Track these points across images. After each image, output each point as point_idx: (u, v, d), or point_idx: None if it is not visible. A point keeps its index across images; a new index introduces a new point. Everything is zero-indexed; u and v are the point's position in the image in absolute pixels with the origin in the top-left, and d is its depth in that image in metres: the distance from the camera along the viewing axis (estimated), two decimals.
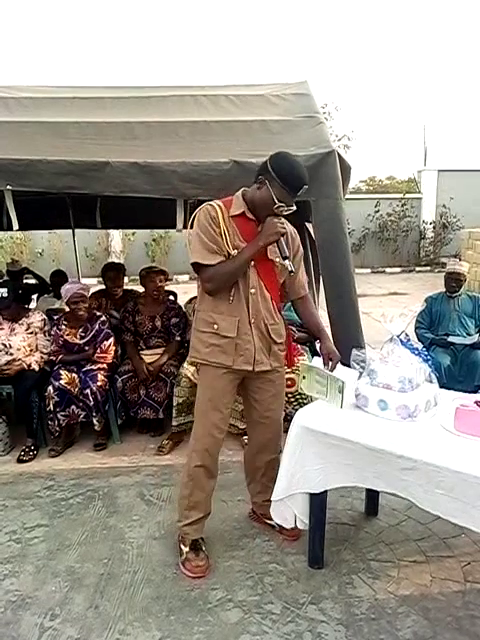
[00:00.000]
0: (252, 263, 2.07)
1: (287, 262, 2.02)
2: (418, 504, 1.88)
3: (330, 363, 2.19)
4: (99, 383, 3.32)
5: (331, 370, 2.18)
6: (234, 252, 2.04)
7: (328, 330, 3.12)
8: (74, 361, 3.44)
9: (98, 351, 3.45)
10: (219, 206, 2.06)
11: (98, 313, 3.57)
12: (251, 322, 2.11)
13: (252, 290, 2.09)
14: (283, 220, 2.06)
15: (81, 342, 3.45)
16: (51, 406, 3.25)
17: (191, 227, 2.09)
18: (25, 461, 3.22)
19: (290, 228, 2.18)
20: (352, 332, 3.00)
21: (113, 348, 3.51)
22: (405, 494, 1.91)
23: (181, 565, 2.23)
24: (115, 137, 3.13)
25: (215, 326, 2.10)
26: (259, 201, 2.04)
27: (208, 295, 2.12)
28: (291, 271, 2.04)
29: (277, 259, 2.09)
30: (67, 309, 3.55)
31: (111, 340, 3.50)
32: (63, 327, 3.45)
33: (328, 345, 2.26)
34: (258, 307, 2.11)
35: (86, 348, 3.45)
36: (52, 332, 3.48)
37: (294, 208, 2.06)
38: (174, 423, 3.33)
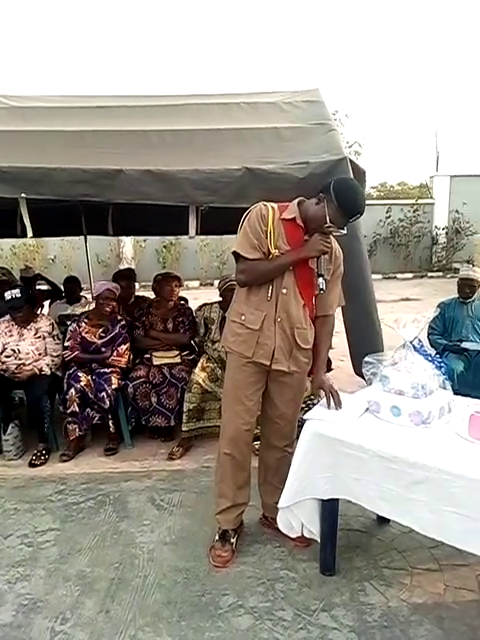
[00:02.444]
0: (291, 267, 2.15)
1: (320, 280, 2.10)
2: (421, 530, 1.84)
3: (331, 400, 2.19)
4: (114, 386, 3.35)
5: (338, 407, 2.17)
6: (275, 251, 2.12)
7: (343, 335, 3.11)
8: (88, 362, 3.48)
9: (114, 354, 3.51)
10: (272, 208, 2.16)
11: (119, 316, 3.66)
12: (277, 320, 2.16)
13: (284, 290, 2.15)
14: (330, 239, 2.13)
15: (99, 342, 3.51)
16: (74, 407, 3.27)
17: (242, 222, 2.18)
18: (37, 465, 3.24)
19: (336, 246, 2.24)
20: (369, 340, 2.97)
21: (128, 353, 3.56)
22: (408, 520, 1.88)
23: (208, 550, 2.35)
24: (128, 145, 3.17)
25: (243, 317, 2.20)
26: (312, 215, 2.13)
27: (239, 286, 2.23)
28: (322, 289, 2.11)
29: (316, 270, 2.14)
30: (83, 310, 3.70)
31: (127, 345, 3.56)
32: (83, 324, 3.52)
33: (320, 378, 2.29)
34: (287, 308, 2.16)
35: (103, 349, 3.51)
36: (71, 328, 3.54)
37: (344, 232, 2.12)
38: (184, 429, 3.33)
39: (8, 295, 3.39)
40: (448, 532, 1.78)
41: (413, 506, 1.84)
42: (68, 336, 3.53)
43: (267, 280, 2.15)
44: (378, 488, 1.93)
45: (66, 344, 3.50)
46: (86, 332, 3.51)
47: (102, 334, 3.53)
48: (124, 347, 3.53)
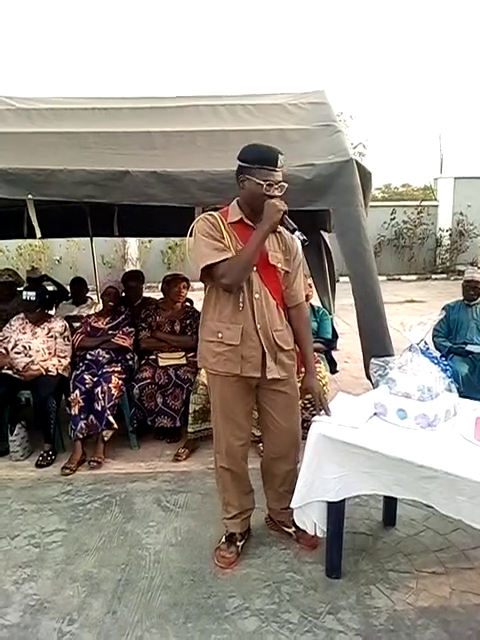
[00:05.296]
0: (255, 268, 2.07)
1: (297, 233, 2.01)
2: (440, 509, 1.85)
3: (320, 408, 2.15)
4: (112, 384, 3.33)
5: (328, 413, 2.14)
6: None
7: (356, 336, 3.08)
8: (94, 346, 3.63)
9: (119, 333, 3.70)
10: (216, 216, 2.09)
11: (125, 308, 3.96)
12: (257, 329, 2.09)
13: (256, 295, 2.08)
14: (280, 201, 2.02)
15: (106, 327, 3.76)
16: (76, 410, 3.28)
17: (190, 236, 2.09)
18: (43, 466, 3.25)
19: (287, 234, 2.17)
20: (379, 341, 2.94)
21: (132, 336, 3.73)
22: (426, 500, 1.89)
23: (213, 551, 2.35)
24: (134, 147, 3.17)
25: (220, 335, 2.10)
26: (249, 196, 2.04)
27: (228, 292, 2.08)
28: (305, 240, 2.01)
29: (279, 264, 2.09)
30: (89, 312, 4.02)
31: (132, 329, 3.76)
32: (93, 316, 3.88)
33: (309, 382, 2.22)
34: (263, 313, 2.10)
35: (110, 332, 3.71)
36: (83, 320, 3.88)
37: (285, 185, 2.04)
38: (190, 430, 3.34)
39: (25, 296, 3.55)
40: (463, 514, 1.79)
41: (428, 492, 1.85)
42: (79, 325, 3.84)
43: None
44: (393, 477, 1.93)
45: (77, 331, 3.77)
46: (94, 322, 3.79)
47: (109, 321, 3.78)
48: (129, 329, 3.74)
